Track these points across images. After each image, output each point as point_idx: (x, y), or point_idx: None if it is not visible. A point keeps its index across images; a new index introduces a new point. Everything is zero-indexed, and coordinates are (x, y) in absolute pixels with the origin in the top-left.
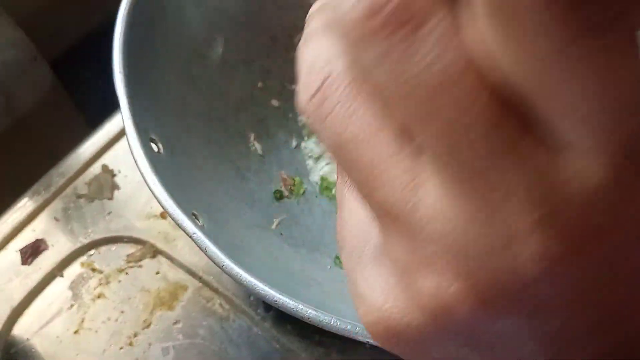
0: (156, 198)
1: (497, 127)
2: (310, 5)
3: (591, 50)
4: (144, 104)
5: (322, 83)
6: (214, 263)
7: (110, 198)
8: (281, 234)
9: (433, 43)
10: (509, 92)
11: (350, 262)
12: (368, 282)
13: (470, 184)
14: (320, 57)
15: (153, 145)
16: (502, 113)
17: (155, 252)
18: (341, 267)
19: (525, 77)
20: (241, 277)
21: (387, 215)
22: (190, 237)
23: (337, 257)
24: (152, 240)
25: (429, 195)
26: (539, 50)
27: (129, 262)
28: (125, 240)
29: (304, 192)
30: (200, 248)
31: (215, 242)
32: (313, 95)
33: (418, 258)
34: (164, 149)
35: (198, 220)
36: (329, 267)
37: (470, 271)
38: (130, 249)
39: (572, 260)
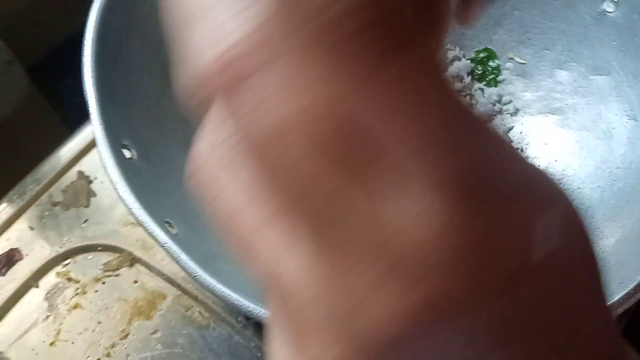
0: (125, 206)
1: (339, 169)
2: None
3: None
4: (117, 109)
5: (198, 164)
6: (186, 273)
7: (87, 205)
8: None
9: (267, 91)
10: (350, 128)
11: None
12: None
13: (320, 239)
14: (201, 148)
15: (126, 151)
16: (342, 154)
17: (133, 261)
18: None
19: (365, 106)
20: (214, 288)
21: (265, 293)
22: (162, 247)
23: None
24: (129, 249)
25: (290, 264)
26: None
27: (105, 271)
28: (102, 248)
29: None
30: (172, 258)
31: (190, 251)
32: (191, 175)
33: (293, 332)
34: (138, 155)
35: (172, 228)
36: None
37: (340, 336)
38: (107, 257)
39: (422, 318)
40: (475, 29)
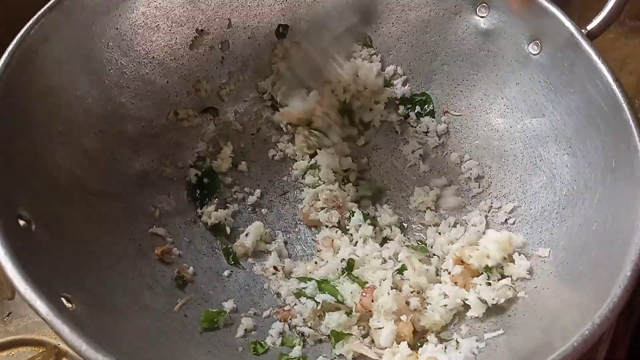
0: (6, 275)
1: None
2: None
3: None
4: (14, 179)
5: None
6: (71, 348)
7: (11, 298)
8: (185, 315)
9: None
10: None
11: None
12: None
13: None
14: None
15: (21, 221)
16: None
17: (59, 355)
18: (255, 353)
19: None
20: None
21: None
22: (44, 319)
23: (254, 344)
24: (54, 342)
25: None
26: None
27: None
28: (25, 343)
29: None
30: (54, 331)
31: (87, 326)
32: None
33: None
34: (36, 226)
35: (71, 304)
36: (240, 349)
37: None
38: (30, 353)
39: None
40: (408, 86)
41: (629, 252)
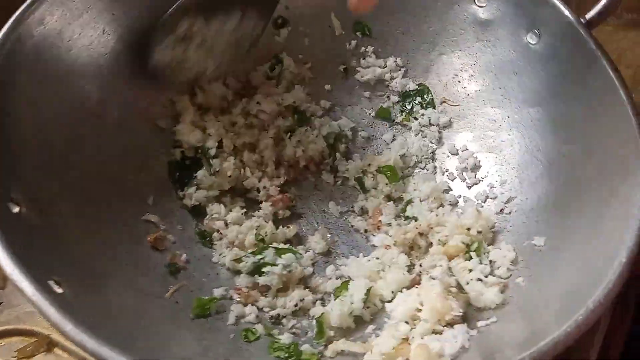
0: None
1: None
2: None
3: None
4: (7, 162)
5: None
6: (56, 328)
7: (2, 287)
8: (177, 302)
9: None
10: None
11: None
12: None
13: None
14: None
15: (13, 205)
16: None
17: (51, 345)
18: (247, 340)
19: None
20: (86, 343)
21: None
22: (29, 299)
23: (246, 331)
24: (46, 332)
25: None
26: None
27: (20, 359)
28: (17, 333)
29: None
30: (39, 312)
31: (76, 309)
32: None
33: None
34: (28, 209)
35: (59, 287)
36: (232, 336)
37: None
38: (22, 343)
39: None
40: (406, 78)
41: (625, 239)
